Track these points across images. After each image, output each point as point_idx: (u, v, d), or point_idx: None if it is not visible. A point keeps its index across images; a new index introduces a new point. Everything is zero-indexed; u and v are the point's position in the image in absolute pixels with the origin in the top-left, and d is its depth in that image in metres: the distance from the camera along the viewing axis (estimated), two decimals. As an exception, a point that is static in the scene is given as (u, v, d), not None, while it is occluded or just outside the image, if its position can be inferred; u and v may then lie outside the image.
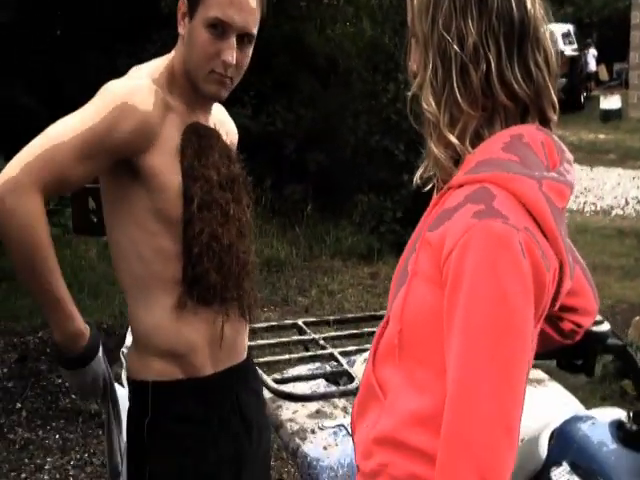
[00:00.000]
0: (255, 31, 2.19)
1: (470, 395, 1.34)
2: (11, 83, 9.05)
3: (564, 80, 22.23)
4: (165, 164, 2.13)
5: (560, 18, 29.48)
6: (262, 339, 3.21)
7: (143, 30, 9.59)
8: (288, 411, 2.93)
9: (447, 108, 1.50)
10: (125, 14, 9.36)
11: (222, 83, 2.19)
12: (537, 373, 3.15)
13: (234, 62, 2.14)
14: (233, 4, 2.11)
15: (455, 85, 1.48)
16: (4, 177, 1.94)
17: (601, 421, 2.24)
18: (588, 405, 3.01)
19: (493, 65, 1.46)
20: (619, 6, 30.42)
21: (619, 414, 2.25)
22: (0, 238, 1.98)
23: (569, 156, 1.57)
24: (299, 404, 2.90)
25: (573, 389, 3.30)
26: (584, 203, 13.00)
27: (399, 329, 1.50)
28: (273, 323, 3.40)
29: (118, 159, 2.09)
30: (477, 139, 1.51)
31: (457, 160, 1.52)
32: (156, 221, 2.15)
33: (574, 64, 23.62)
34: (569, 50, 23.74)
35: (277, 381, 2.69)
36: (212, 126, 2.30)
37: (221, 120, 2.41)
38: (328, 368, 2.99)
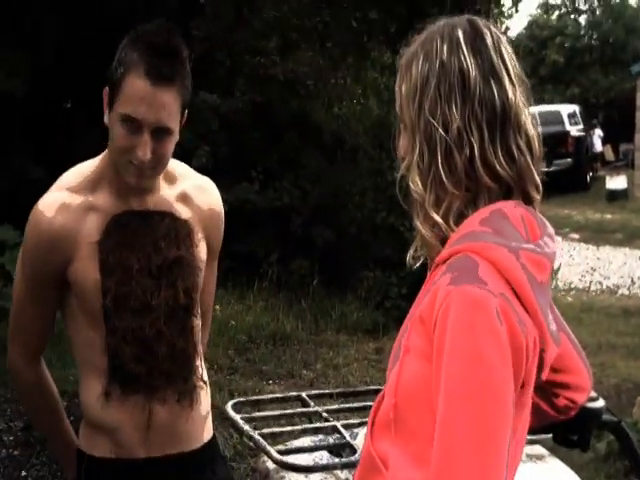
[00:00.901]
0: (172, 124, 2.14)
1: (450, 455, 1.37)
2: (22, 155, 9.18)
3: (570, 160, 22.40)
4: (84, 266, 2.21)
5: (566, 99, 29.85)
6: (266, 411, 3.25)
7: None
8: (291, 482, 2.96)
9: (433, 189, 1.56)
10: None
11: (140, 174, 2.17)
12: (537, 449, 3.17)
13: (147, 157, 2.11)
14: (144, 101, 2.08)
15: (440, 167, 1.54)
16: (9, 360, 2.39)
17: (597, 496, 2.28)
18: (592, 483, 3.02)
19: (476, 149, 1.53)
20: (625, 87, 30.77)
21: (615, 489, 2.28)
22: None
23: (550, 230, 1.63)
24: (302, 475, 2.93)
25: (578, 467, 3.32)
26: (590, 282, 13.04)
27: (394, 402, 1.53)
28: (277, 395, 3.45)
29: (57, 278, 2.24)
30: (460, 218, 1.56)
31: (445, 239, 1.57)
32: (83, 315, 2.25)
33: (580, 144, 23.75)
34: (575, 130, 23.90)
35: (281, 452, 2.72)
36: (152, 207, 2.28)
37: (185, 195, 2.37)
38: (331, 440, 3.01)
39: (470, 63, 1.55)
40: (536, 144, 1.59)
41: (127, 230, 2.23)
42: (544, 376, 1.53)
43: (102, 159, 2.28)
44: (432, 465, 1.40)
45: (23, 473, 5.34)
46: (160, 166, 2.21)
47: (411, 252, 1.67)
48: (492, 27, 1.61)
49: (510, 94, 1.55)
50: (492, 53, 1.56)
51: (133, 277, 2.22)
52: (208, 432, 2.44)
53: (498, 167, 1.54)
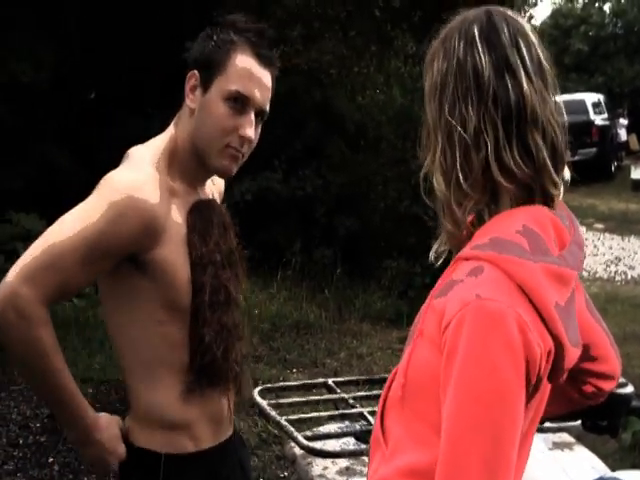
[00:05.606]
0: (268, 110, 2.19)
1: (458, 462, 1.38)
2: (47, 145, 9.23)
3: (594, 149, 22.24)
4: (173, 255, 2.08)
5: (591, 88, 29.62)
6: (292, 397, 3.26)
7: (175, 94, 9.78)
8: (318, 467, 2.97)
9: (454, 189, 1.56)
10: (157, 77, 9.57)
11: (235, 158, 2.14)
12: (565, 437, 3.18)
13: (252, 136, 2.12)
14: (254, 79, 2.10)
15: (459, 168, 1.54)
16: (6, 289, 1.91)
17: (626, 482, 2.28)
18: (617, 473, 3.02)
19: (490, 149, 1.51)
20: (650, 77, 30.55)
21: (644, 476, 2.28)
22: (5, 348, 1.96)
23: (578, 236, 1.61)
24: (329, 461, 2.94)
25: (603, 456, 3.32)
26: (615, 272, 12.96)
27: (403, 383, 1.56)
28: (303, 382, 3.45)
29: (123, 258, 2.03)
30: (480, 218, 1.58)
31: (470, 234, 1.58)
32: (164, 310, 2.10)
33: (604, 134, 23.57)
34: (599, 120, 23.70)
35: (308, 438, 2.72)
36: (210, 196, 2.28)
37: (215, 188, 2.39)
38: (357, 427, 3.02)
39: (484, 61, 1.53)
40: (558, 135, 1.56)
41: (204, 221, 2.17)
42: (562, 379, 1.52)
43: (168, 146, 2.17)
44: (438, 468, 1.40)
45: (50, 459, 5.38)
46: (247, 154, 2.17)
47: (435, 247, 1.68)
48: (511, 16, 1.58)
49: (525, 87, 1.52)
50: (507, 47, 1.54)
51: (219, 269, 2.16)
52: None
53: (514, 167, 1.52)
